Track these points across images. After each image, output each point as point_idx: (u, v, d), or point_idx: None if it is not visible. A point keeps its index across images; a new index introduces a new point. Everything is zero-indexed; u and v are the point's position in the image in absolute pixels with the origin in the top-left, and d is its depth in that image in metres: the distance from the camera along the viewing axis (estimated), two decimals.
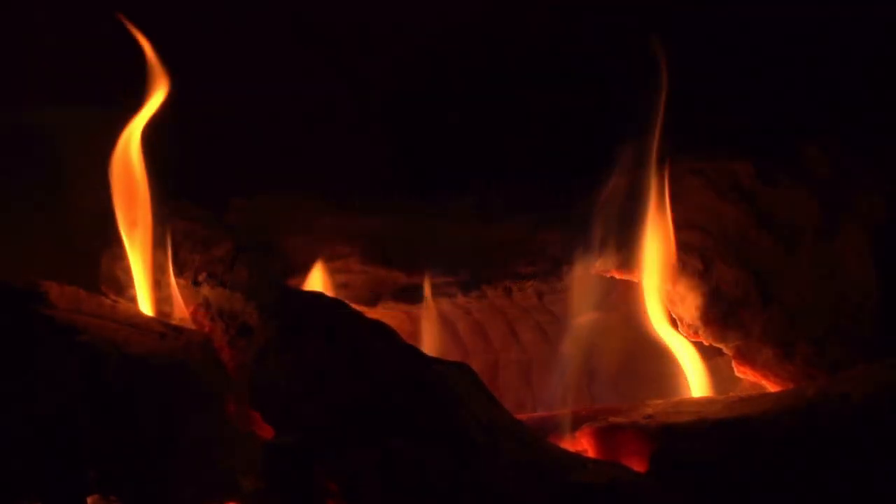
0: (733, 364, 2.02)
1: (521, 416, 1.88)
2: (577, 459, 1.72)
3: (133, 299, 2.07)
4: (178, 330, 1.95)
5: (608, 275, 2.12)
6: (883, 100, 2.02)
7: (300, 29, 2.34)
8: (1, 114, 2.47)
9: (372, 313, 2.08)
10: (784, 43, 2.08)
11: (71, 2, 2.45)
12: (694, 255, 2.05)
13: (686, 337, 2.06)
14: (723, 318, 2.01)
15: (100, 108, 2.13)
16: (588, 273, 2.11)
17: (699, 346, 2.10)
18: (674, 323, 2.07)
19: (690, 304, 2.03)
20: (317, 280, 2.11)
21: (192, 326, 2.05)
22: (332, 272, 2.15)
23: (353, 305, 2.01)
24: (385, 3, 2.35)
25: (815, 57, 2.07)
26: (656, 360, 2.08)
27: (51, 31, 2.48)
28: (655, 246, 2.01)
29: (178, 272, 2.08)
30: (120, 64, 2.16)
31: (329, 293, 2.05)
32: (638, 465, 1.73)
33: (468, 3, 2.28)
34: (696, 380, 2.04)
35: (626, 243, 2.05)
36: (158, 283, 2.08)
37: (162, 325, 1.95)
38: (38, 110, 2.53)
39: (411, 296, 2.16)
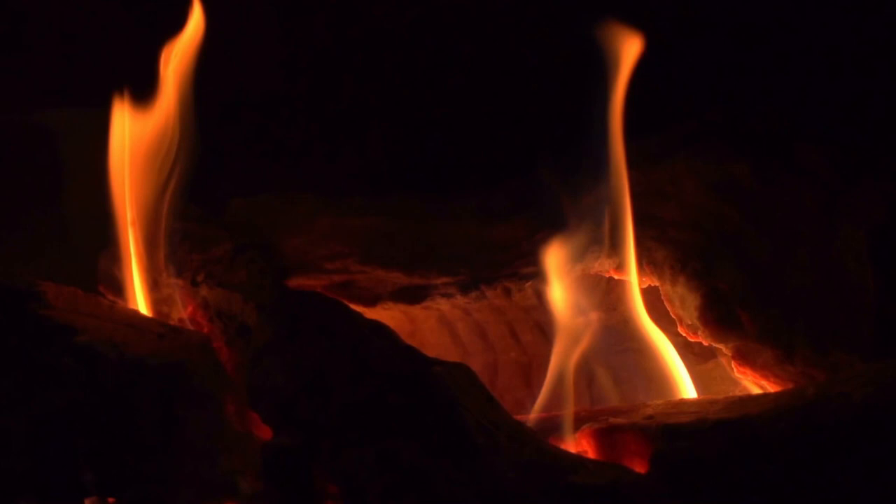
0: (733, 365, 2.01)
1: (521, 417, 1.88)
2: (578, 460, 1.72)
3: (130, 300, 2.07)
4: (177, 330, 1.95)
5: (607, 275, 2.12)
6: (881, 100, 2.02)
7: (299, 27, 2.34)
8: (1, 114, 2.47)
9: (371, 314, 2.08)
10: (782, 42, 2.08)
11: (71, 2, 2.45)
12: (693, 256, 2.05)
13: (686, 337, 2.06)
14: (722, 318, 2.00)
15: (100, 108, 2.12)
16: (588, 273, 2.11)
17: (700, 347, 2.10)
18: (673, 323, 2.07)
19: (690, 305, 2.03)
20: None
21: (191, 327, 2.05)
22: (330, 272, 2.15)
23: (352, 306, 2.02)
24: (386, 2, 2.35)
25: (814, 57, 2.06)
26: (656, 360, 2.08)
27: (51, 31, 2.48)
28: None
29: (177, 272, 2.08)
30: (120, 64, 2.16)
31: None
32: (638, 466, 1.73)
33: (469, 3, 2.28)
34: (687, 380, 2.04)
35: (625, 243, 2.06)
36: (157, 284, 2.08)
37: (160, 326, 1.95)
38: (38, 110, 2.53)
39: (410, 296, 2.16)
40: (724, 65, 2.06)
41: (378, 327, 1.86)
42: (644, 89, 2.02)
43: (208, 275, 2.06)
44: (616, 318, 2.16)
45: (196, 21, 2.09)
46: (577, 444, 1.84)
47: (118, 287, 2.09)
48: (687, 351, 2.10)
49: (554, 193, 2.06)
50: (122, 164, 2.08)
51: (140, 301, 2.06)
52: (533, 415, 1.97)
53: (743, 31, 2.06)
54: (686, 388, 2.03)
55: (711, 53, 2.06)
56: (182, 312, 2.07)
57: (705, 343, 2.03)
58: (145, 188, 2.08)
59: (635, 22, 2.01)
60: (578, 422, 1.89)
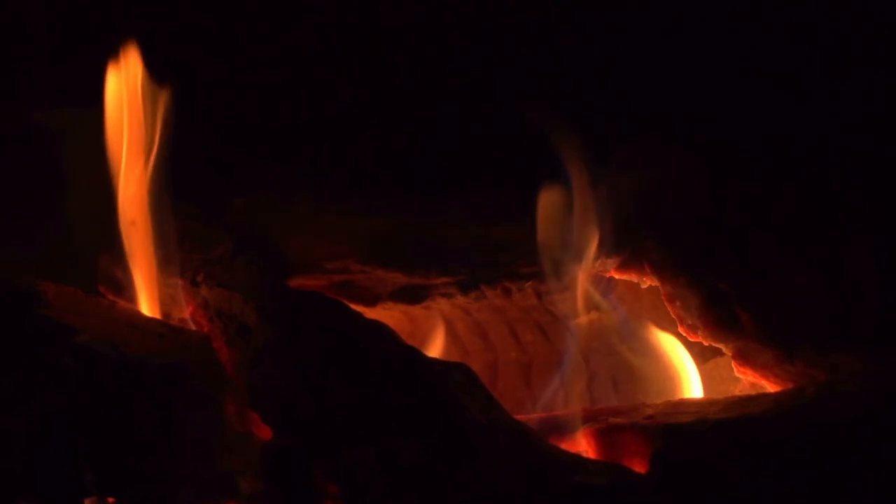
0: (733, 364, 2.02)
1: (521, 417, 1.88)
2: (578, 460, 1.73)
3: (131, 300, 2.07)
4: (177, 330, 1.95)
5: (607, 275, 2.12)
6: (880, 101, 2.02)
7: (299, 28, 2.34)
8: (1, 114, 2.47)
9: (371, 313, 2.08)
10: (781, 43, 2.08)
11: (71, 3, 2.45)
12: (693, 256, 2.05)
13: (686, 337, 2.06)
14: (722, 318, 2.01)
15: (99, 108, 2.12)
16: (588, 273, 2.10)
17: (700, 347, 2.10)
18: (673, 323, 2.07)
19: (690, 305, 2.03)
20: None
21: (191, 327, 2.05)
22: (331, 272, 2.14)
23: (352, 306, 2.02)
24: (386, 2, 2.35)
25: (813, 58, 2.06)
26: (656, 360, 2.08)
27: (51, 31, 2.48)
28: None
29: (177, 272, 2.07)
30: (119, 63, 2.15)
31: None
32: (638, 466, 1.73)
33: (469, 3, 2.28)
34: (692, 380, 2.04)
35: (625, 243, 2.06)
36: (157, 284, 2.08)
37: (161, 326, 1.96)
38: (38, 111, 2.53)
39: (410, 296, 2.15)
40: (726, 66, 2.06)
41: (378, 327, 1.86)
42: (644, 90, 2.02)
43: (208, 275, 2.06)
44: (616, 318, 2.16)
45: None
46: (577, 444, 1.84)
47: (118, 287, 2.09)
48: (687, 351, 2.11)
49: (554, 193, 2.06)
50: (120, 149, 2.08)
51: (141, 301, 2.06)
52: (534, 415, 1.98)
53: (743, 32, 2.06)
54: (692, 386, 2.03)
55: (711, 54, 2.06)
56: (182, 312, 2.07)
57: (706, 343, 2.04)
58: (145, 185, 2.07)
59: (636, 21, 2.02)
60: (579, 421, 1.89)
